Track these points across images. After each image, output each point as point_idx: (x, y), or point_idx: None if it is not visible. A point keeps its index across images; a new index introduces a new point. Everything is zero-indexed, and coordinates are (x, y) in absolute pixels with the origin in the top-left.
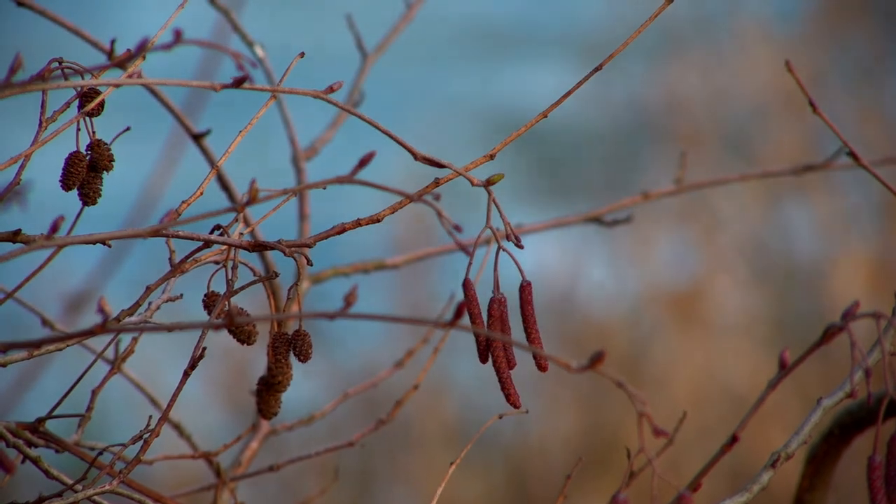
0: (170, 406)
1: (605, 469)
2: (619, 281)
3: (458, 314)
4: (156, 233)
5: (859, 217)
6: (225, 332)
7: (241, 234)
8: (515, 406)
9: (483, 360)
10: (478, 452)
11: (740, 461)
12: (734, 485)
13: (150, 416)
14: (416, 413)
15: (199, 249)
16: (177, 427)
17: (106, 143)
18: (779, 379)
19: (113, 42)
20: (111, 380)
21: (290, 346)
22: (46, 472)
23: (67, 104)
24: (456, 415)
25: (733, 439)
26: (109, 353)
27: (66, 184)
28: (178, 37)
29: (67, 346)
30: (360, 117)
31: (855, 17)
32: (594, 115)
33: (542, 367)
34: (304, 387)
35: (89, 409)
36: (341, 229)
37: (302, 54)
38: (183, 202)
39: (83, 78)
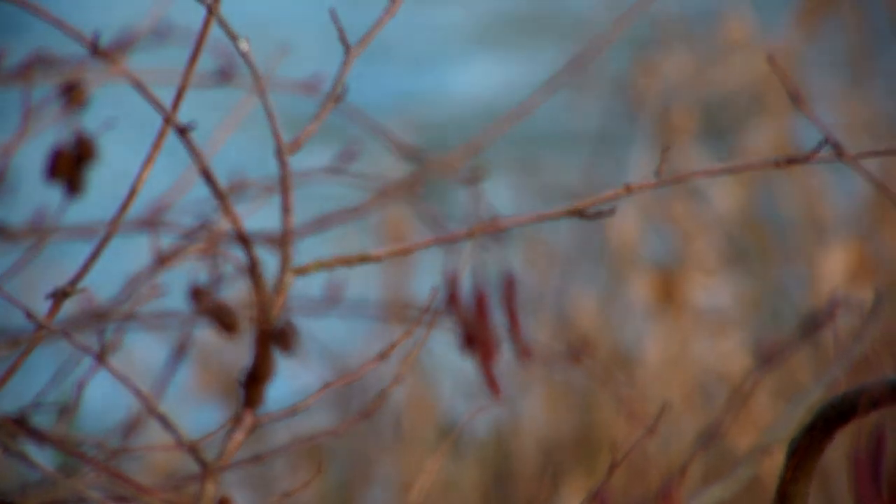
0: (156, 397)
1: (598, 461)
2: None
3: (441, 307)
4: (140, 225)
5: (842, 208)
6: (209, 326)
7: (226, 227)
8: (498, 398)
9: (465, 352)
10: (466, 445)
11: (723, 452)
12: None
13: (135, 407)
14: (404, 406)
15: (183, 242)
16: (162, 419)
17: (90, 136)
18: (758, 375)
19: (96, 35)
20: (94, 374)
21: (274, 338)
22: (31, 465)
23: (50, 98)
24: (444, 407)
25: (713, 434)
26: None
27: (51, 177)
28: (164, 33)
29: (52, 339)
30: (343, 112)
31: (840, 6)
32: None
33: (524, 358)
34: (289, 381)
35: (75, 401)
36: (325, 222)
37: (286, 49)
38: (167, 195)
39: (66, 71)
